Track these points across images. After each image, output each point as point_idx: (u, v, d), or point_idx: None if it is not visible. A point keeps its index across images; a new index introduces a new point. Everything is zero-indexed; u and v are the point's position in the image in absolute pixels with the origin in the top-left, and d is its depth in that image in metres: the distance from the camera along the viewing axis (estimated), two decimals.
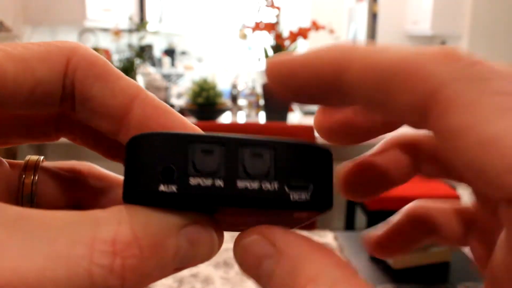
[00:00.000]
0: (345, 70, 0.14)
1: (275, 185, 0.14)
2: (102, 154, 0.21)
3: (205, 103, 2.15)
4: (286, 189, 0.14)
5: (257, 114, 2.40)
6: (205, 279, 0.75)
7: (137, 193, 0.14)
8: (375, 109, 0.14)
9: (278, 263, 0.14)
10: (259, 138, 0.14)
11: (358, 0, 4.85)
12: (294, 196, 0.14)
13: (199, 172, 0.14)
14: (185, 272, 0.77)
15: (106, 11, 3.28)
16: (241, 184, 0.14)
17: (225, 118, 2.31)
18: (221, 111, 2.21)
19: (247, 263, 0.15)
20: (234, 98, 2.40)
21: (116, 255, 0.13)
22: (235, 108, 2.38)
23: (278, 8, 2.02)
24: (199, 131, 0.17)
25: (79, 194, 0.21)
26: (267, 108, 2.09)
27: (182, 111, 2.39)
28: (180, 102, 2.77)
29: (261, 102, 2.29)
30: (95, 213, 0.13)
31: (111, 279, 0.13)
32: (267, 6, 2.01)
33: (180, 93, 3.20)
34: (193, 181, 0.14)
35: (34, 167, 0.19)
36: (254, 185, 0.14)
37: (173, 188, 0.14)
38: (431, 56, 0.13)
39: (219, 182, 0.14)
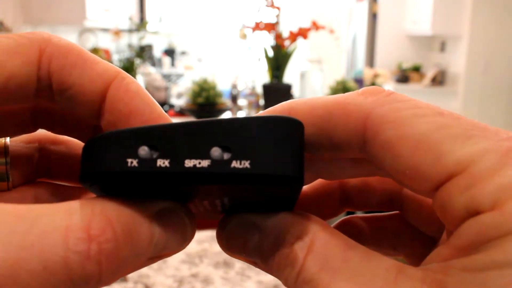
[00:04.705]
0: (291, 115, 0.16)
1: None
2: (83, 141, 0.21)
3: (205, 103, 2.15)
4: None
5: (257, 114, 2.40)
6: (205, 279, 0.75)
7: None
8: (322, 144, 0.16)
9: (265, 235, 0.16)
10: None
11: (358, 0, 4.85)
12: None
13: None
14: (185, 272, 0.77)
15: (106, 11, 3.28)
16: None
17: None
18: (221, 111, 2.21)
19: (235, 244, 0.16)
20: (234, 98, 2.40)
21: (92, 241, 0.13)
22: (235, 108, 2.38)
23: (278, 8, 2.02)
24: (166, 117, 0.17)
25: (45, 160, 0.21)
26: (267, 108, 2.09)
27: (182, 111, 2.39)
28: (180, 102, 2.77)
29: (261, 102, 2.29)
30: (68, 203, 0.14)
31: (88, 265, 0.13)
32: (267, 6, 2.01)
33: (180, 93, 3.20)
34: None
35: (4, 149, 0.20)
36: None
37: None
38: (358, 93, 0.16)
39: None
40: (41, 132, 0.21)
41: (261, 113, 0.17)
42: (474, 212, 0.13)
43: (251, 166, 0.14)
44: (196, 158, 0.14)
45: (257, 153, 0.14)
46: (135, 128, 0.15)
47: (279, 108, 0.17)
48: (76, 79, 0.17)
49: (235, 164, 0.14)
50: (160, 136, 0.14)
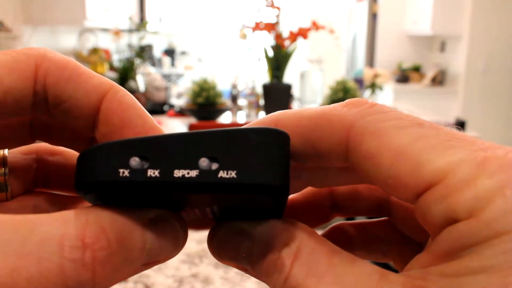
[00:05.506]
0: (278, 126, 0.17)
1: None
2: (79, 152, 0.21)
3: (205, 103, 2.15)
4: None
5: (257, 114, 2.40)
6: (205, 279, 0.75)
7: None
8: (309, 154, 0.17)
9: (254, 242, 0.16)
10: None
11: (358, 0, 4.85)
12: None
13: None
14: (185, 272, 0.77)
15: (106, 11, 3.28)
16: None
17: (225, 118, 2.31)
18: (221, 111, 2.21)
19: (226, 251, 0.17)
20: (234, 98, 2.40)
21: (86, 248, 0.13)
22: (235, 108, 2.39)
23: (278, 8, 2.02)
24: (158, 129, 0.18)
25: (43, 171, 0.21)
26: (267, 108, 2.09)
27: (182, 111, 2.39)
28: (180, 102, 2.77)
29: (261, 102, 2.29)
30: (64, 213, 0.14)
31: (82, 272, 0.13)
32: (267, 6, 2.01)
33: (180, 93, 3.20)
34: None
35: (3, 160, 0.20)
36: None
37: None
38: (342, 105, 0.16)
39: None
40: (39, 144, 0.21)
41: (249, 124, 0.17)
42: (452, 221, 0.13)
43: (238, 176, 0.14)
44: (185, 168, 0.14)
45: (244, 163, 0.14)
46: (127, 140, 0.15)
47: (266, 120, 0.17)
48: (71, 93, 0.17)
49: (222, 174, 0.14)
50: (151, 147, 0.15)
